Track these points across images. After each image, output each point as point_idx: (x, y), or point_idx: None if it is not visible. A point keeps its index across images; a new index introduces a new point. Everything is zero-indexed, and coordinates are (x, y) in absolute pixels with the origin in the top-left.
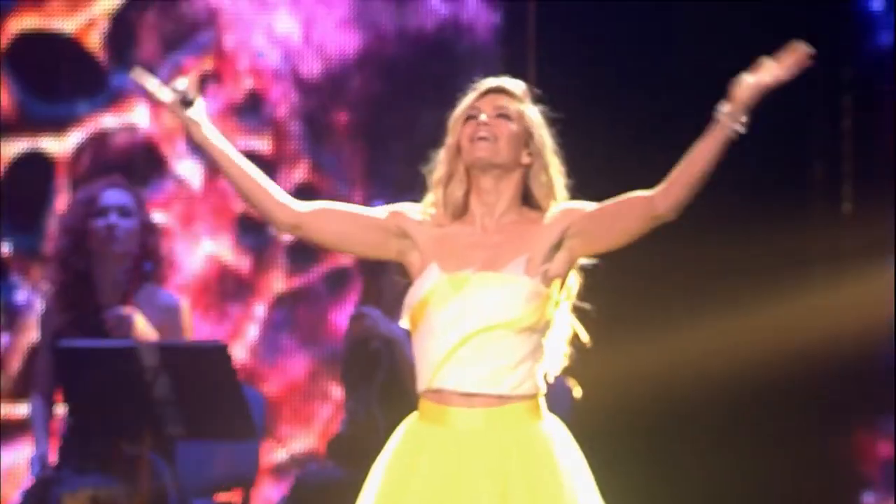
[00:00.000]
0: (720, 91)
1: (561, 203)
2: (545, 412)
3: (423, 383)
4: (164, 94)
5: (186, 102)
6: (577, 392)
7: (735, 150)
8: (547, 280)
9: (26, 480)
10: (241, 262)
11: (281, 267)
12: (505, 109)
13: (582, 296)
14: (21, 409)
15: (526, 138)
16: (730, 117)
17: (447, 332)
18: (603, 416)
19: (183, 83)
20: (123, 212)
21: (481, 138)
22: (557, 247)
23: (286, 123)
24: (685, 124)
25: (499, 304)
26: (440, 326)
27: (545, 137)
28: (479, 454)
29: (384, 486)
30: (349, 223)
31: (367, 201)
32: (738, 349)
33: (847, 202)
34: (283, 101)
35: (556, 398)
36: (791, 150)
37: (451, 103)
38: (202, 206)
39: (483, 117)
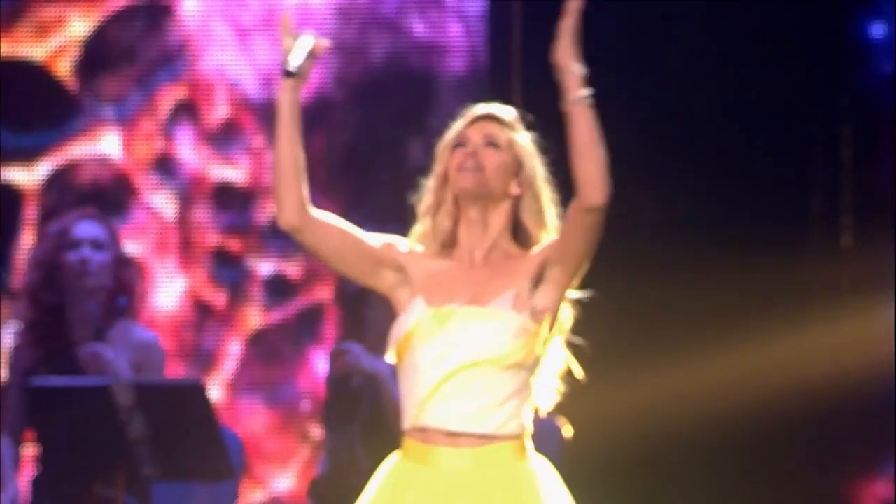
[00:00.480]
0: (716, 119)
1: (551, 235)
2: (531, 452)
3: (408, 420)
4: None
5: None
6: (568, 432)
7: (731, 179)
8: (536, 316)
9: None
10: (215, 296)
11: (257, 302)
12: (494, 137)
13: (574, 331)
14: None
15: (516, 168)
16: (572, 94)
17: (432, 367)
18: (594, 457)
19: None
20: (96, 244)
21: (468, 168)
22: (541, 280)
23: (263, 153)
24: (676, 158)
25: (485, 340)
26: (425, 362)
27: (536, 166)
28: (463, 495)
29: None
30: (348, 246)
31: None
32: (734, 386)
33: (846, 234)
34: (259, 131)
35: (545, 438)
36: (789, 180)
37: (434, 131)
38: (175, 239)
39: (471, 146)
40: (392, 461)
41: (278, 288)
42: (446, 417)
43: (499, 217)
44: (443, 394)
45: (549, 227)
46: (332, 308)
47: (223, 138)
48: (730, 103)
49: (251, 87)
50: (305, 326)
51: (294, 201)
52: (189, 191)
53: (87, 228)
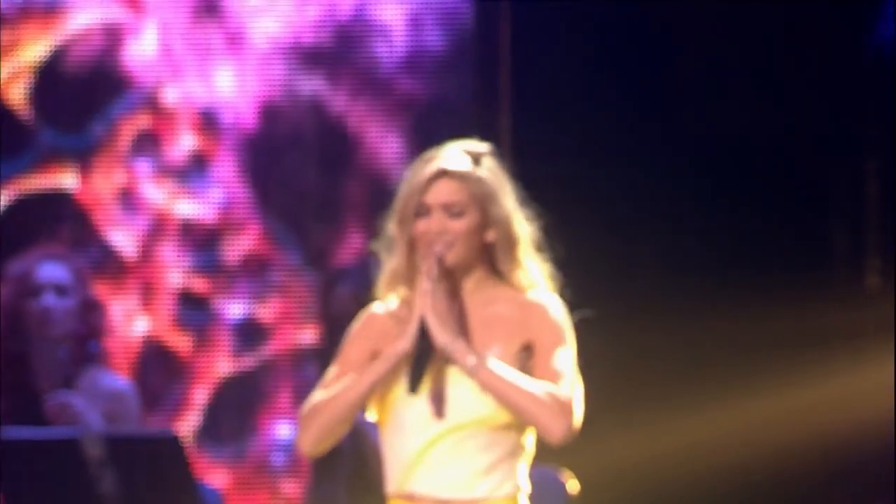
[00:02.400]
0: (732, 152)
1: (537, 291)
2: None
3: (393, 483)
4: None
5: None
6: (573, 487)
7: (747, 215)
8: (523, 369)
9: None
10: (180, 341)
11: (226, 347)
12: (455, 205)
13: (581, 378)
14: None
15: (484, 222)
16: (463, 368)
17: (416, 431)
18: None
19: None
20: (60, 290)
21: (437, 250)
22: (525, 349)
23: (232, 186)
24: (690, 193)
25: (469, 401)
26: (408, 425)
27: (504, 207)
28: None
29: None
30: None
31: (326, 279)
32: (751, 437)
33: (872, 275)
34: (227, 162)
35: (548, 494)
36: (810, 217)
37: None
38: (136, 279)
39: (434, 220)
40: None
41: (249, 332)
42: (435, 485)
43: (474, 271)
44: (430, 460)
45: (525, 265)
46: (309, 356)
47: (188, 171)
48: (748, 135)
49: (218, 116)
50: (279, 373)
51: (334, 440)
52: (152, 227)
53: (49, 272)
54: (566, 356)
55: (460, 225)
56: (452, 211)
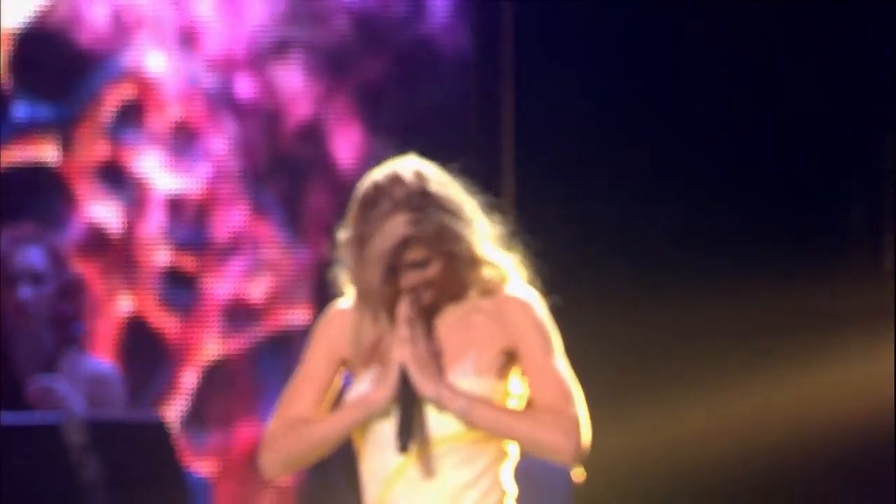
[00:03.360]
0: (747, 127)
1: (511, 286)
2: None
3: (371, 497)
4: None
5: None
6: (579, 476)
7: (762, 192)
8: (502, 374)
9: None
10: (166, 321)
11: (215, 327)
12: (421, 260)
13: (585, 364)
14: None
15: (450, 257)
16: (455, 414)
17: (391, 444)
18: (611, 495)
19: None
20: (36, 278)
21: (414, 301)
22: (506, 353)
23: (220, 159)
24: (703, 169)
25: (444, 417)
26: (383, 439)
27: (463, 231)
28: None
29: None
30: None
31: (317, 257)
32: (762, 421)
33: (890, 254)
34: (217, 133)
35: (553, 484)
36: (826, 195)
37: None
38: (120, 256)
39: (405, 279)
40: None
41: (238, 312)
42: (416, 501)
43: (443, 288)
44: (409, 477)
45: (494, 260)
46: (300, 336)
47: (175, 142)
48: (763, 114)
49: (206, 84)
50: (269, 356)
51: (298, 469)
52: (137, 202)
53: (23, 259)
54: (558, 362)
55: (429, 273)
56: (419, 264)
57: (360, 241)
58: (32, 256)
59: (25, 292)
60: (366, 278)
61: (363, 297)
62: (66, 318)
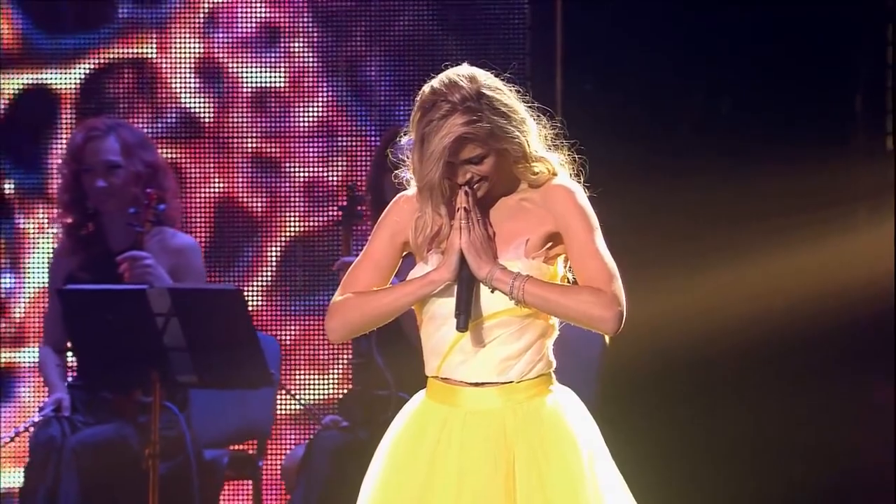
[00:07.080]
0: (756, 16)
1: (558, 178)
2: (556, 385)
3: (430, 368)
4: None
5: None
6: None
7: (772, 77)
8: (550, 259)
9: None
10: (253, 201)
11: (296, 206)
12: (476, 157)
13: (616, 236)
14: (22, 356)
15: (502, 153)
16: (508, 296)
17: (449, 320)
18: (635, 360)
19: None
20: (110, 167)
21: (473, 190)
22: (553, 237)
23: (302, 56)
24: (719, 56)
25: (498, 293)
26: (441, 315)
27: (513, 130)
28: (485, 430)
29: (390, 467)
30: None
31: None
32: (777, 292)
33: (891, 136)
34: (298, 34)
35: (586, 343)
36: (831, 81)
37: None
38: (212, 142)
39: (461, 173)
40: (417, 400)
41: (319, 192)
42: (468, 371)
43: (499, 180)
44: (462, 349)
45: (543, 158)
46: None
47: (261, 41)
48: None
49: None
50: (346, 230)
51: (361, 333)
52: (226, 94)
53: (96, 151)
54: (599, 242)
55: (484, 168)
56: (474, 161)
57: (422, 140)
58: (106, 148)
59: (100, 182)
60: (426, 174)
61: (424, 190)
62: (149, 199)
